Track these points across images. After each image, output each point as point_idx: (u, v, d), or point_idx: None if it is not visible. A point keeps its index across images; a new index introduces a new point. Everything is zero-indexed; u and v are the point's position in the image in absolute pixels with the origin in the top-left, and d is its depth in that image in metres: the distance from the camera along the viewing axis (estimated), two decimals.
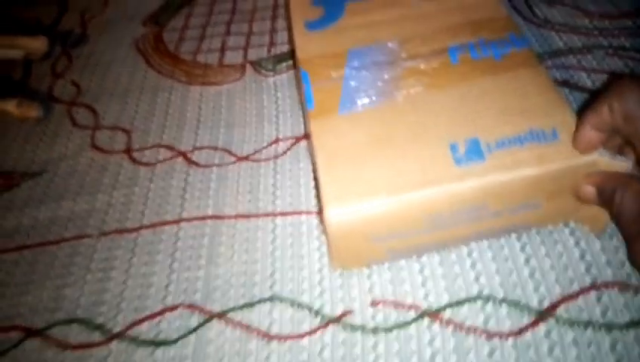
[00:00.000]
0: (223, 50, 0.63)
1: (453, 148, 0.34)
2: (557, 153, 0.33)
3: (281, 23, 0.65)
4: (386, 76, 0.39)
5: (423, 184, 0.33)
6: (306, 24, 0.44)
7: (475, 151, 0.34)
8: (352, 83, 0.39)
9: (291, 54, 0.57)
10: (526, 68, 0.38)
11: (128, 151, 0.53)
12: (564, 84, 0.48)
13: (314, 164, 0.38)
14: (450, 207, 0.34)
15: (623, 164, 0.32)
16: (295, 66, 0.48)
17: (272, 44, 0.62)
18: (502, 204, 0.35)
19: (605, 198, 0.32)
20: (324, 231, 0.38)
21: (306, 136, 0.48)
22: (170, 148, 0.52)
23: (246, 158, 0.49)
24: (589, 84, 0.48)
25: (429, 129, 0.36)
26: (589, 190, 0.33)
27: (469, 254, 0.38)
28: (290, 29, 0.47)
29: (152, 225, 0.45)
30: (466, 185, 0.33)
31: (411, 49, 0.41)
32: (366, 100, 0.38)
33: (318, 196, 0.43)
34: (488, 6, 0.43)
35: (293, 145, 0.49)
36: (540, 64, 0.38)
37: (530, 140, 0.34)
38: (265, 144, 0.50)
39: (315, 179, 0.35)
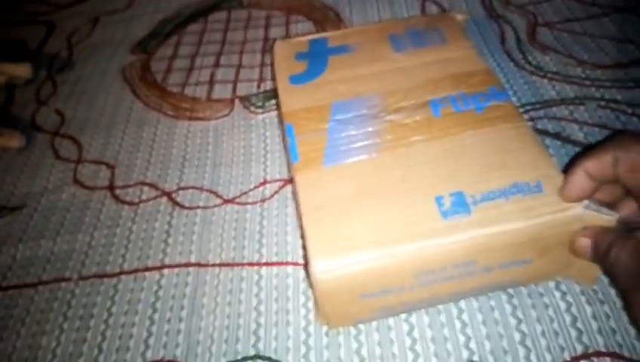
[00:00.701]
0: (211, 83, 0.62)
1: (439, 201, 0.34)
2: (542, 205, 0.33)
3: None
4: (369, 129, 0.39)
5: (411, 238, 0.33)
6: (291, 78, 0.43)
7: (460, 204, 0.34)
8: (337, 136, 0.38)
9: None
10: (507, 121, 0.38)
11: (111, 188, 0.51)
12: (556, 136, 0.48)
13: (299, 216, 0.37)
14: (439, 262, 0.34)
15: (609, 218, 0.32)
16: (280, 120, 0.47)
17: (261, 79, 0.61)
18: (491, 259, 0.34)
19: (600, 253, 0.31)
20: (311, 286, 0.37)
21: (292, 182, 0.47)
22: (154, 186, 0.50)
23: (232, 201, 0.48)
24: (580, 136, 0.48)
25: (414, 182, 0.36)
26: (585, 242, 0.32)
27: (459, 316, 0.38)
28: (274, 82, 0.46)
29: (134, 271, 0.44)
30: (454, 239, 0.33)
31: (394, 103, 0.40)
32: (351, 153, 0.37)
33: (304, 247, 0.42)
34: (469, 59, 0.43)
35: (281, 188, 0.48)
36: (521, 117, 0.38)
37: (515, 193, 0.34)
38: (252, 186, 0.49)
39: (301, 228, 0.34)
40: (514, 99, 0.52)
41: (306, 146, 0.38)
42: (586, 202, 0.32)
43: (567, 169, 0.33)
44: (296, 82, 0.43)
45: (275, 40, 0.49)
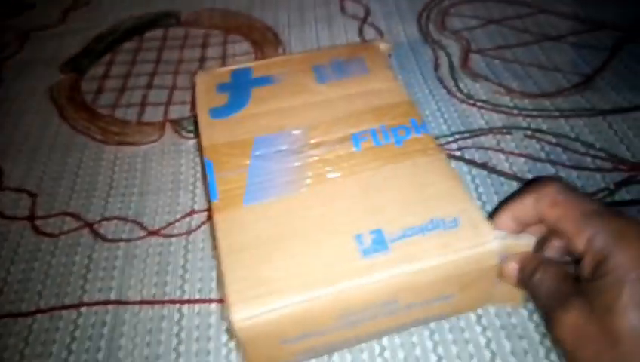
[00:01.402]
0: (143, 105, 0.60)
1: (359, 239, 0.34)
2: (458, 241, 0.33)
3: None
4: (291, 165, 0.38)
5: (331, 280, 0.32)
6: (211, 111, 0.42)
7: (379, 242, 0.33)
8: (258, 173, 0.38)
9: None
10: (425, 155, 0.38)
11: (32, 218, 0.49)
12: (483, 166, 0.48)
13: (217, 257, 0.36)
14: (361, 303, 0.33)
15: (527, 243, 0.32)
16: (200, 155, 0.46)
17: (195, 101, 0.60)
18: (412, 297, 0.34)
19: (526, 276, 0.32)
20: (229, 330, 0.36)
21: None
22: (76, 217, 0.49)
23: (157, 233, 0.47)
24: (506, 167, 0.48)
25: (334, 221, 0.35)
26: (512, 266, 0.33)
27: (381, 353, 0.38)
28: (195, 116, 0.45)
29: (50, 309, 0.42)
30: (373, 279, 0.32)
31: (316, 136, 0.40)
32: (272, 191, 0.37)
33: (220, 285, 0.41)
34: (391, 91, 0.43)
35: (208, 218, 0.47)
36: (439, 150, 0.38)
37: (432, 229, 0.34)
38: (179, 216, 0.48)
39: (218, 269, 0.33)
40: (444, 127, 0.53)
41: (225, 184, 0.37)
42: (500, 233, 0.33)
43: (493, 212, 0.33)
44: (217, 116, 0.42)
45: (198, 71, 0.48)
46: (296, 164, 0.38)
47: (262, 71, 0.46)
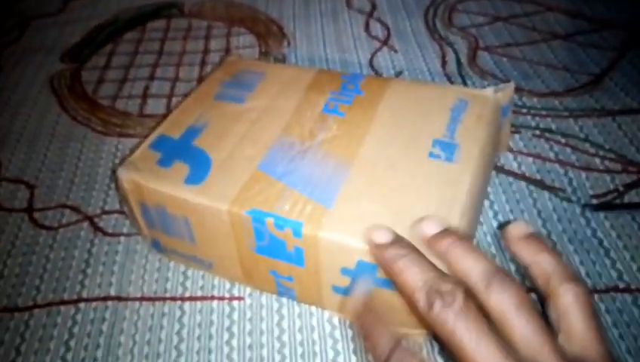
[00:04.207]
0: (145, 97, 0.59)
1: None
2: None
3: (210, 70, 0.62)
4: (323, 159, 0.37)
5: None
6: (186, 180, 0.36)
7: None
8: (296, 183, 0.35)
9: None
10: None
11: (30, 210, 0.48)
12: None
13: None
14: None
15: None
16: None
17: None
18: None
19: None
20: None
21: None
22: (76, 210, 0.48)
23: None
24: (515, 166, 0.47)
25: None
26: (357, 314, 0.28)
27: None
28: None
29: (48, 304, 0.41)
30: None
31: (301, 131, 0.39)
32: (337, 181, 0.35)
33: None
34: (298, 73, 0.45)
35: None
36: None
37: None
38: None
39: None
40: None
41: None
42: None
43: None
44: (192, 182, 0.36)
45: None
46: (320, 156, 0.37)
47: (175, 130, 0.41)
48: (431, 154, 0.36)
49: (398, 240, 0.29)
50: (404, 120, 0.39)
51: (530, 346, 0.22)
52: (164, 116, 0.55)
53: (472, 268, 0.25)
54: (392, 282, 0.27)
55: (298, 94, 0.42)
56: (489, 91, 0.40)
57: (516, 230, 0.27)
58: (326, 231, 0.32)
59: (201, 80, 0.61)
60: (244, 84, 0.44)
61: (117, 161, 0.52)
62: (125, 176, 0.37)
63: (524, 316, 0.23)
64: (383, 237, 0.29)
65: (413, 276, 0.26)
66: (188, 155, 0.38)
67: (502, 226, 0.40)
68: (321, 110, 0.40)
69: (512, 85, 0.40)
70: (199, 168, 0.36)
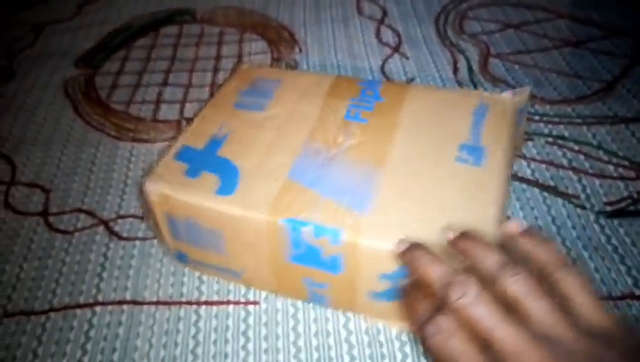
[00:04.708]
0: (158, 102, 0.59)
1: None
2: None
3: (222, 76, 0.62)
4: (353, 164, 0.37)
5: None
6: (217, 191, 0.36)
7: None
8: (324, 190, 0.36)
9: None
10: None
11: (45, 214, 0.49)
12: None
13: None
14: None
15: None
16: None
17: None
18: None
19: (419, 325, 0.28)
20: None
21: None
22: (91, 214, 0.48)
23: None
24: (528, 173, 0.48)
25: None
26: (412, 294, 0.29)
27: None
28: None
29: (64, 308, 0.41)
30: None
31: (326, 137, 0.39)
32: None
33: None
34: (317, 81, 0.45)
35: None
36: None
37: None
38: None
39: None
40: None
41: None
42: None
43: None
44: (224, 193, 0.36)
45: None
46: (349, 160, 0.37)
47: (198, 140, 0.40)
48: (458, 159, 0.36)
49: (416, 246, 0.30)
50: (428, 125, 0.39)
51: (547, 324, 0.24)
52: (178, 123, 0.55)
53: (485, 260, 0.27)
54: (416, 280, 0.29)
55: (318, 101, 0.42)
56: (507, 95, 0.40)
57: (514, 226, 0.29)
58: (366, 238, 0.32)
59: (213, 85, 0.61)
60: (261, 92, 0.44)
61: (131, 165, 0.52)
62: (153, 188, 0.36)
63: (537, 298, 0.24)
64: (402, 246, 0.30)
65: (433, 270, 0.27)
66: (215, 165, 0.37)
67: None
68: (343, 116, 0.41)
69: (527, 89, 0.41)
70: (229, 178, 0.36)
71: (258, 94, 0.44)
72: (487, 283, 0.26)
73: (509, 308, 0.24)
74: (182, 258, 0.41)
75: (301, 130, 0.40)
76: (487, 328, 0.24)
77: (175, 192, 0.36)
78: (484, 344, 0.24)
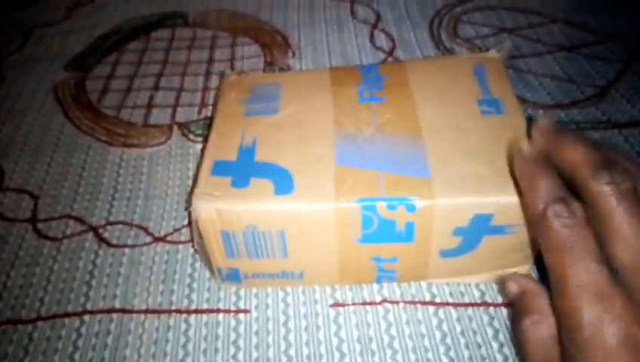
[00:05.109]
0: (149, 106, 0.59)
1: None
2: None
3: (214, 81, 0.62)
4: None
5: None
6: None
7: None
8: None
9: None
10: None
11: (34, 220, 0.48)
12: None
13: None
14: None
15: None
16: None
17: (203, 104, 0.59)
18: None
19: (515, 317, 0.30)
20: None
21: None
22: (80, 220, 0.47)
23: (163, 239, 0.45)
24: None
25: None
26: (511, 287, 0.32)
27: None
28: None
29: (52, 317, 0.41)
30: None
31: (354, 122, 0.39)
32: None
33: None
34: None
35: None
36: None
37: None
38: (186, 222, 0.47)
39: None
40: None
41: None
42: None
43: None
44: (283, 193, 0.35)
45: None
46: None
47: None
48: (482, 112, 0.39)
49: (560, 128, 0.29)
50: (440, 91, 0.41)
51: None
52: (170, 127, 0.55)
53: (632, 166, 0.25)
54: (560, 157, 0.27)
55: (326, 93, 0.42)
56: (493, 52, 0.45)
57: (543, 124, 0.29)
58: (440, 197, 0.33)
59: (205, 90, 0.61)
60: (266, 97, 0.43)
61: (121, 171, 0.52)
62: (205, 206, 0.35)
63: None
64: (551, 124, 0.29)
65: (584, 149, 0.25)
66: (260, 171, 0.37)
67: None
68: (358, 101, 0.41)
69: (508, 44, 0.45)
70: (281, 179, 0.36)
71: (264, 100, 0.43)
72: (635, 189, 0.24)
73: None
74: (234, 276, 0.39)
75: (324, 122, 0.40)
76: (623, 226, 0.23)
77: (230, 204, 0.35)
78: (607, 243, 0.23)
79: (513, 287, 0.32)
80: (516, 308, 0.31)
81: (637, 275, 0.23)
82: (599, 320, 0.22)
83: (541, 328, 0.28)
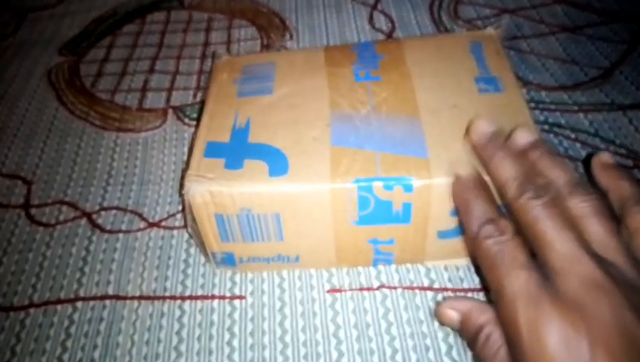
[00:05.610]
0: (144, 90, 0.58)
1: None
2: None
3: (210, 64, 0.61)
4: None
5: None
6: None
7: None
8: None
9: None
10: None
11: (27, 206, 0.47)
12: None
13: None
14: None
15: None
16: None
17: (198, 88, 0.58)
18: None
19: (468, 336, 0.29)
20: None
21: None
22: (74, 206, 0.47)
23: (157, 224, 0.45)
24: None
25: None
26: (450, 315, 0.30)
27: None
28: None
29: (44, 304, 0.40)
30: None
31: (347, 100, 0.39)
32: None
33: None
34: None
35: None
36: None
37: None
38: (180, 207, 0.46)
39: None
40: None
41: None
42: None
43: None
44: (277, 174, 0.35)
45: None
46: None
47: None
48: (480, 90, 0.38)
49: (497, 135, 0.31)
50: (437, 69, 0.41)
51: (602, 243, 0.25)
52: (164, 111, 0.54)
53: (558, 176, 0.28)
54: (488, 173, 0.31)
55: (321, 72, 0.42)
56: (490, 30, 0.44)
57: (602, 159, 0.31)
58: (437, 177, 0.33)
59: (201, 73, 0.59)
60: (260, 77, 0.42)
61: (115, 155, 0.51)
62: (198, 189, 0.34)
63: (601, 220, 0.25)
64: (487, 127, 0.32)
65: (510, 167, 0.28)
66: (254, 152, 0.36)
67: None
68: (353, 80, 0.40)
69: (505, 22, 0.46)
70: (275, 160, 0.35)
71: (258, 80, 0.42)
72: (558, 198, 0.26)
73: (574, 225, 0.25)
74: (229, 261, 0.39)
75: (319, 102, 0.39)
76: (546, 232, 0.25)
77: (224, 186, 0.34)
78: (537, 252, 0.25)
79: (452, 315, 0.30)
80: (466, 333, 0.29)
81: (564, 276, 0.24)
82: (534, 322, 0.23)
83: (493, 342, 0.27)
